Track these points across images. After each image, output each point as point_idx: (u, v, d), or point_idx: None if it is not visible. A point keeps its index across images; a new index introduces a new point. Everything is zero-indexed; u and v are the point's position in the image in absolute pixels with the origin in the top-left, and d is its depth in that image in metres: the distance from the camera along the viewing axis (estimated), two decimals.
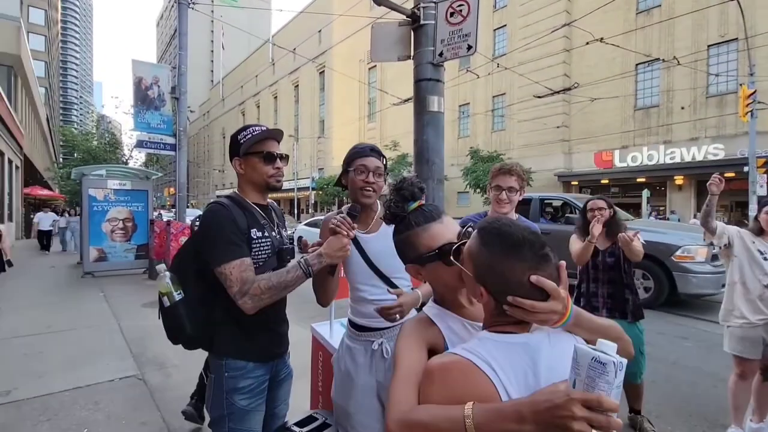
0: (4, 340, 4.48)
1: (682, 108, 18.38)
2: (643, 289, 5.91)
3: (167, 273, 1.41)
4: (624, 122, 20.24)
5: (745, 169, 12.89)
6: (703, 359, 4.01)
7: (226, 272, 1.31)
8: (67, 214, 15.52)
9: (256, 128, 1.48)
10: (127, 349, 4.19)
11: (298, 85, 45.37)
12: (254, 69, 52.52)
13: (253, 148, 1.46)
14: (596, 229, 2.54)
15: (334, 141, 38.32)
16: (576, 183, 22.07)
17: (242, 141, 1.47)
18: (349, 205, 1.58)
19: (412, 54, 2.83)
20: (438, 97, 2.72)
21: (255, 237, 1.41)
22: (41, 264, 10.98)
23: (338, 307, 2.29)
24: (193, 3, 8.99)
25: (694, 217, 16.10)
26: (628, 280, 2.68)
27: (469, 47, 2.57)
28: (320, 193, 34.56)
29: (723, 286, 2.83)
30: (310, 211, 36.25)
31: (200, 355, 1.60)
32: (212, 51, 77.59)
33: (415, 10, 2.75)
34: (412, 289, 1.56)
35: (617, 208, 2.92)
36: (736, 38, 16.44)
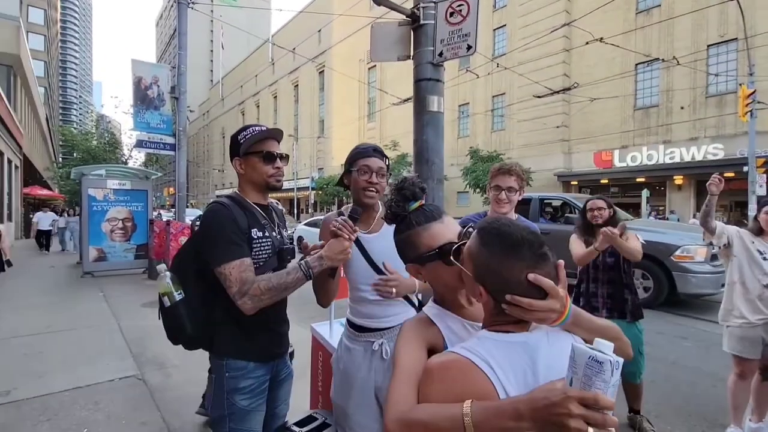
0: (4, 339, 4.47)
1: (682, 108, 18.40)
2: (643, 288, 5.92)
3: (167, 273, 1.41)
4: (623, 122, 20.26)
5: (745, 168, 12.90)
6: (703, 359, 4.01)
7: (226, 272, 1.31)
8: (66, 214, 15.51)
9: (256, 128, 1.48)
10: (126, 349, 4.19)
11: (297, 85, 45.36)
12: (254, 69, 52.51)
13: (253, 148, 1.46)
14: (602, 245, 2.51)
15: (334, 141, 38.31)
16: (576, 183, 22.09)
17: (242, 141, 1.47)
18: (349, 206, 1.58)
19: (411, 54, 2.83)
20: (438, 97, 2.72)
21: (255, 237, 1.41)
22: (41, 264, 10.98)
23: (338, 307, 2.30)
24: (193, 3, 8.99)
25: (694, 216, 16.12)
26: (628, 280, 2.68)
27: (469, 47, 2.57)
28: (320, 192, 34.55)
29: (722, 286, 2.84)
30: (309, 211, 36.25)
31: (200, 356, 1.60)
32: (212, 51, 77.55)
33: (415, 10, 2.74)
34: None
35: (617, 208, 2.92)
36: (736, 38, 16.45)
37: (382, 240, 1.44)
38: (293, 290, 1.36)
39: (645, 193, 17.80)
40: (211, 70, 77.54)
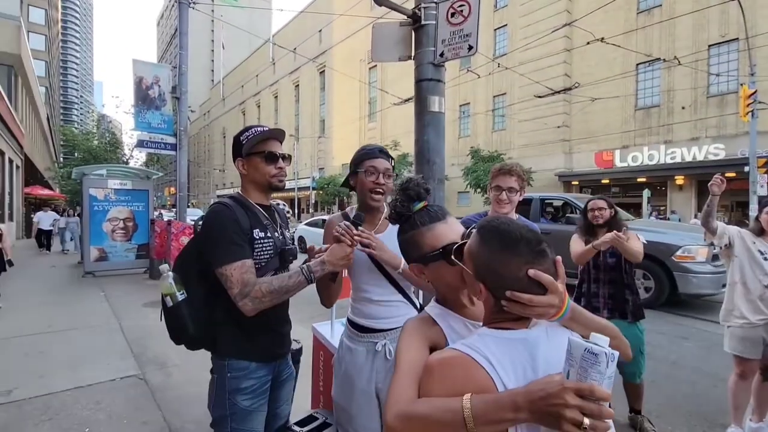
0: (5, 339, 4.48)
1: (683, 108, 18.38)
2: (644, 289, 5.91)
3: (170, 273, 1.42)
4: (624, 122, 20.24)
5: (746, 169, 12.89)
6: (703, 359, 4.01)
7: (227, 273, 1.31)
8: (66, 215, 15.52)
9: (258, 128, 1.49)
10: (128, 348, 4.20)
11: (298, 85, 45.37)
12: (255, 68, 52.55)
13: (256, 148, 1.47)
14: (604, 246, 2.51)
15: (335, 140, 38.33)
16: (576, 183, 22.07)
17: (244, 141, 1.47)
18: (354, 207, 1.59)
19: (413, 54, 2.83)
20: (439, 97, 2.72)
21: (257, 237, 1.41)
22: (42, 264, 11.00)
23: (339, 307, 2.30)
24: (194, 2, 9.00)
25: (695, 217, 16.11)
26: (629, 280, 2.68)
27: (470, 47, 2.57)
28: (321, 192, 34.56)
29: (723, 286, 2.84)
30: (310, 211, 36.27)
31: (201, 355, 1.60)
32: (213, 50, 77.59)
33: (416, 11, 2.75)
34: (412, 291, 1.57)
35: (618, 208, 2.92)
36: (737, 38, 16.43)
37: (386, 241, 1.44)
38: (294, 293, 1.37)
39: (646, 193, 17.79)
40: (212, 70, 77.60)
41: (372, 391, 1.43)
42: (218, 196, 49.04)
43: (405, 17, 2.83)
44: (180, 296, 1.40)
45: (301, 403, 2.39)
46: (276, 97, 49.71)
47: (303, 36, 38.90)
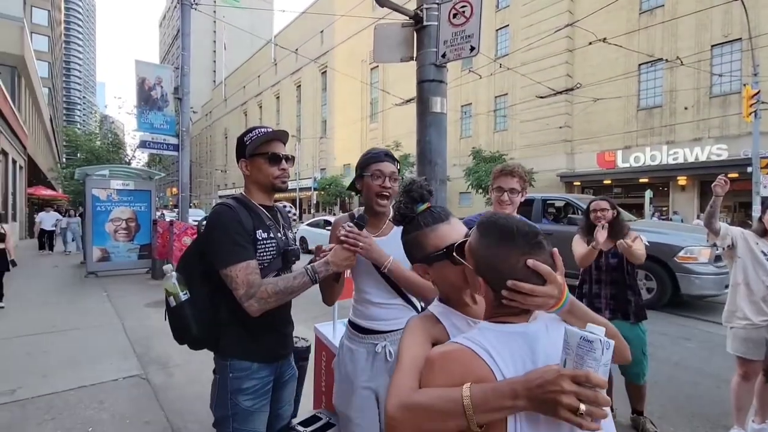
0: (9, 339, 4.51)
1: (686, 108, 18.32)
2: (646, 289, 5.90)
3: (173, 273, 1.42)
4: (627, 122, 20.19)
5: (749, 169, 12.84)
6: (706, 360, 4.00)
7: (232, 275, 1.32)
8: (68, 215, 15.58)
9: (262, 130, 1.49)
10: (130, 348, 4.21)
11: (300, 86, 45.41)
12: (256, 69, 52.61)
13: (259, 150, 1.47)
14: (601, 236, 2.52)
15: (336, 141, 38.35)
16: (578, 183, 22.02)
17: (248, 142, 1.48)
18: (360, 209, 1.59)
19: (414, 55, 2.84)
20: (441, 98, 2.73)
21: (260, 238, 1.42)
22: (45, 264, 11.04)
23: (341, 308, 2.31)
24: (196, 4, 9.03)
25: (697, 217, 16.07)
26: (631, 281, 2.68)
27: (472, 48, 2.57)
28: (322, 193, 34.57)
29: (726, 287, 2.83)
30: (312, 212, 36.29)
31: (203, 355, 1.61)
32: (215, 51, 77.75)
33: (418, 11, 2.75)
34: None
35: (620, 209, 2.92)
36: (740, 38, 16.37)
37: (389, 244, 1.44)
38: (299, 294, 1.38)
39: (648, 193, 17.72)
40: (214, 71, 77.75)
41: (371, 392, 1.43)
42: (220, 197, 49.11)
43: (407, 18, 2.83)
44: (183, 296, 1.41)
45: (303, 403, 2.40)
46: (278, 97, 49.78)
47: (305, 37, 38.96)
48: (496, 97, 25.74)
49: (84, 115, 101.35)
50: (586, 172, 21.41)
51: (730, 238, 2.50)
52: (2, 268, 5.94)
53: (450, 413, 0.72)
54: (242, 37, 55.89)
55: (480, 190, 21.21)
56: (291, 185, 34.13)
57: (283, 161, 1.50)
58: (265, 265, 1.42)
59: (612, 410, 2.72)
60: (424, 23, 2.71)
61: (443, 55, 2.66)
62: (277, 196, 1.60)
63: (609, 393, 2.66)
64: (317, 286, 1.45)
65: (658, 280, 5.87)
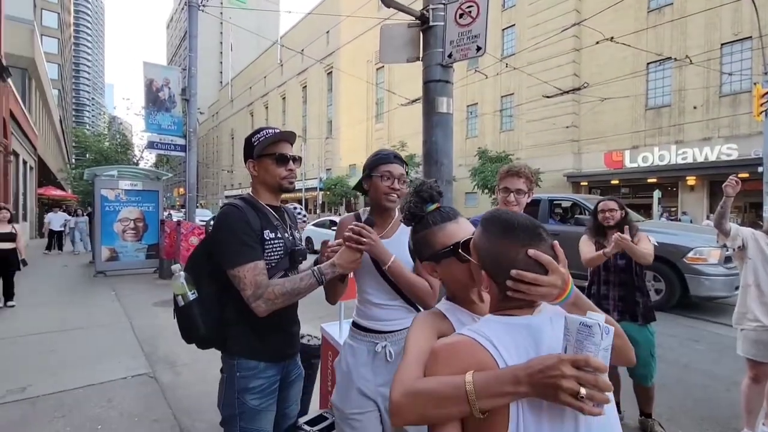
0: (20, 337, 4.57)
1: (695, 107, 18.12)
2: (654, 291, 5.84)
3: (182, 273, 1.44)
4: (635, 122, 20.01)
5: (760, 169, 12.65)
6: (716, 362, 3.96)
7: (240, 275, 1.33)
8: (75, 215, 15.76)
9: (269, 131, 1.50)
10: (138, 347, 4.25)
11: (306, 86, 45.58)
12: (263, 70, 52.88)
13: (267, 150, 1.48)
14: (614, 249, 2.47)
15: (342, 141, 38.43)
16: (585, 183, 21.86)
17: (256, 143, 1.49)
18: (366, 209, 1.60)
19: (421, 55, 2.84)
20: (447, 98, 2.72)
21: (268, 238, 1.43)
22: (54, 263, 11.18)
23: (347, 308, 2.31)
24: (203, 5, 9.10)
25: (707, 218, 15.87)
26: (640, 282, 2.65)
27: (479, 48, 2.56)
28: (328, 193, 34.66)
29: (736, 288, 2.80)
30: (317, 212, 36.38)
31: (210, 354, 1.62)
32: (221, 53, 78.27)
33: (424, 12, 2.75)
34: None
35: (628, 209, 2.89)
36: (750, 36, 16.15)
37: (393, 246, 1.45)
38: (306, 295, 1.40)
39: (656, 194, 17.55)
40: (221, 72, 78.26)
41: (369, 391, 1.43)
42: (226, 197, 49.43)
43: (413, 18, 2.83)
44: (191, 296, 1.42)
45: (315, 401, 2.41)
46: (284, 98, 50.00)
47: (311, 37, 39.08)
48: (502, 96, 25.64)
49: (93, 116, 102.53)
50: (593, 172, 21.25)
51: (741, 239, 2.47)
52: (13, 267, 6.03)
53: (453, 399, 0.73)
54: (248, 39, 56.28)
55: (486, 191, 21.14)
56: (297, 185, 34.20)
57: (291, 162, 1.51)
58: (273, 264, 1.43)
59: (620, 412, 2.71)
60: (431, 23, 2.71)
61: (449, 56, 2.66)
62: (283, 196, 1.61)
63: (617, 394, 2.65)
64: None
65: (667, 281, 5.81)
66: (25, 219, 17.43)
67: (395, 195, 1.50)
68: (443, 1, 2.69)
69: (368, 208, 1.60)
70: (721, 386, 3.41)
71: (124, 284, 7.82)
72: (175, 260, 7.79)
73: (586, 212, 6.97)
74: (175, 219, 10.17)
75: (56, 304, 6.24)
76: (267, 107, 53.37)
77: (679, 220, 16.39)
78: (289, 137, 1.53)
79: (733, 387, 3.15)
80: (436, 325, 0.96)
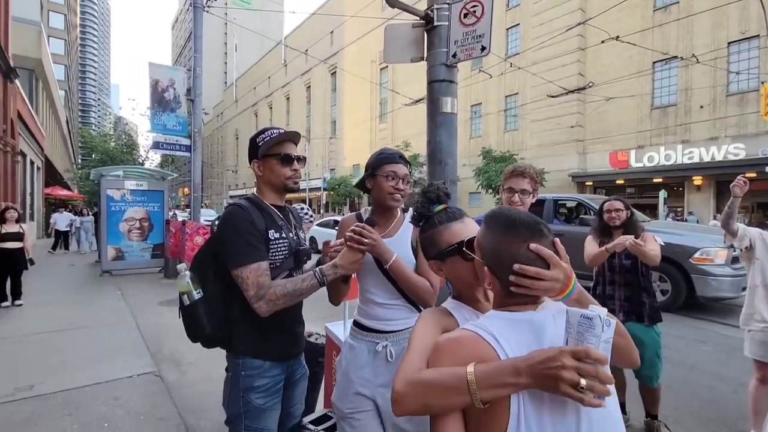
0: (28, 336, 4.62)
1: (701, 107, 17.97)
2: (660, 291, 5.80)
3: (187, 272, 1.45)
4: (640, 122, 19.87)
5: (767, 169, 12.54)
6: (723, 364, 3.92)
7: (243, 276, 1.34)
8: (80, 214, 15.88)
9: (274, 131, 1.51)
10: (144, 346, 4.28)
11: (310, 86, 45.66)
12: (267, 70, 53.05)
13: (272, 151, 1.49)
14: (620, 248, 2.46)
15: (346, 141, 38.46)
16: (590, 183, 21.74)
17: (260, 144, 1.50)
18: (368, 209, 1.60)
19: (425, 55, 2.83)
20: (451, 98, 2.72)
21: (272, 238, 1.44)
22: (60, 263, 11.28)
23: (352, 307, 2.31)
24: (208, 6, 9.14)
25: (714, 218, 15.74)
26: (646, 282, 2.63)
27: (483, 48, 2.56)
28: (332, 193, 34.70)
29: (744, 289, 2.77)
30: (321, 212, 36.44)
31: (215, 353, 1.63)
32: (226, 53, 78.62)
33: (429, 12, 2.74)
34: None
35: (634, 210, 2.87)
36: (758, 35, 16.00)
37: (395, 246, 1.45)
38: (307, 296, 1.40)
39: (662, 194, 17.42)
40: (225, 73, 78.60)
41: (368, 391, 1.42)
42: (231, 197, 49.63)
43: (417, 18, 2.83)
44: (197, 295, 1.43)
45: (320, 400, 2.41)
46: (288, 98, 50.11)
47: (315, 38, 39.16)
48: (506, 96, 25.56)
49: (99, 116, 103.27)
50: (598, 172, 21.13)
51: (748, 239, 2.45)
52: (21, 266, 6.09)
53: (454, 388, 0.74)
54: (253, 39, 56.45)
55: (490, 190, 21.07)
56: (301, 185, 34.29)
57: (295, 162, 1.52)
58: (277, 264, 1.44)
59: (625, 413, 2.69)
60: (435, 23, 2.70)
61: (454, 55, 2.65)
62: (287, 196, 1.62)
63: (622, 395, 2.64)
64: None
65: (673, 281, 5.76)
66: (32, 219, 17.59)
67: (399, 195, 1.50)
68: (447, 1, 2.69)
69: (370, 208, 1.61)
70: (728, 388, 3.38)
71: (129, 283, 7.88)
72: (180, 260, 7.83)
73: (591, 212, 6.94)
74: (180, 219, 10.22)
75: (63, 303, 6.29)
76: (271, 107, 53.53)
77: (686, 221, 16.27)
78: (293, 137, 1.54)
79: (740, 388, 3.12)
80: (441, 321, 0.97)
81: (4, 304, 5.94)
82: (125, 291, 7.16)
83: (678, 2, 18.66)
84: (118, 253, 9.03)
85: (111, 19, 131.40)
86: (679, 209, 18.92)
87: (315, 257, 1.55)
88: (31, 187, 17.80)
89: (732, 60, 17.25)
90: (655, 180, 19.12)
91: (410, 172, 1.57)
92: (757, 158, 15.14)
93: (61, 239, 14.23)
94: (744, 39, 16.89)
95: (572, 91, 15.57)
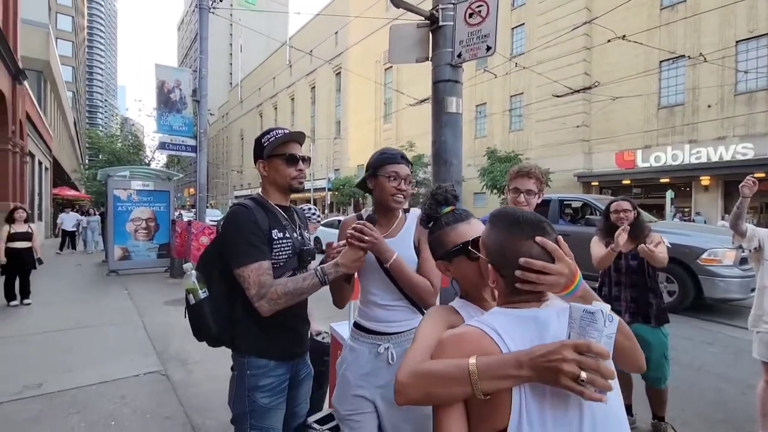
0: (36, 334, 4.67)
1: (709, 106, 17.80)
2: (667, 292, 5.75)
3: (193, 272, 1.46)
4: (647, 121, 19.72)
5: None
6: (730, 365, 3.88)
7: (245, 275, 1.35)
8: (87, 214, 16.03)
9: (279, 131, 1.51)
10: (150, 345, 4.31)
11: (314, 87, 45.79)
12: (272, 71, 53.24)
13: (277, 151, 1.50)
14: (621, 238, 2.42)
15: (350, 142, 38.51)
16: (596, 184, 21.61)
17: (266, 144, 1.50)
18: (369, 209, 1.60)
19: (430, 55, 2.83)
20: (456, 98, 2.71)
21: (276, 238, 1.44)
22: (68, 262, 11.39)
23: (357, 307, 2.32)
24: (214, 8, 9.19)
25: (722, 219, 15.59)
26: (652, 283, 2.61)
27: (488, 48, 2.55)
28: (336, 193, 34.76)
29: (752, 290, 2.74)
30: (326, 212, 36.51)
31: (221, 353, 1.64)
32: (231, 54, 79.00)
33: (434, 12, 2.74)
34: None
35: (640, 210, 2.85)
36: (767, 33, 15.84)
37: (398, 245, 1.44)
38: (309, 295, 1.40)
39: (669, 194, 17.26)
40: (230, 74, 78.98)
41: (368, 393, 1.41)
42: (236, 197, 49.86)
43: (422, 18, 2.83)
44: (202, 294, 1.44)
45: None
46: (292, 99, 50.27)
47: (319, 38, 39.24)
48: (511, 96, 25.47)
49: (106, 117, 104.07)
50: (604, 172, 21.00)
51: (757, 240, 2.43)
52: (29, 266, 6.15)
53: (456, 379, 0.76)
54: (258, 40, 56.73)
55: (495, 191, 21.01)
56: (306, 185, 34.30)
57: (300, 162, 1.52)
58: (281, 264, 1.44)
59: (632, 415, 2.67)
60: (440, 23, 2.70)
61: (459, 55, 2.65)
62: (292, 196, 1.62)
63: (628, 397, 2.62)
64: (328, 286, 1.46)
65: (680, 282, 5.71)
66: (40, 219, 17.77)
67: (402, 196, 1.49)
68: (453, 1, 2.68)
69: (371, 209, 1.60)
70: (735, 390, 3.35)
71: (136, 283, 7.94)
72: (186, 259, 7.88)
73: (597, 213, 6.89)
74: (185, 219, 10.29)
75: (70, 302, 6.35)
76: (276, 108, 53.72)
77: (693, 221, 16.13)
78: (298, 138, 1.54)
79: (748, 390, 3.09)
80: (448, 318, 0.99)
81: (13, 303, 6.01)
82: (132, 290, 7.22)
83: (685, 1, 18.50)
84: (124, 253, 9.11)
85: (117, 21, 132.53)
86: (686, 210, 18.76)
87: (320, 257, 1.55)
88: (40, 187, 17.98)
89: (740, 59, 17.07)
90: (661, 180, 18.97)
91: (412, 172, 1.56)
92: (766, 158, 14.98)
93: (68, 239, 14.37)
94: (752, 38, 16.71)
95: (578, 91, 15.45)
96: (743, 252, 5.45)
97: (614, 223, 2.65)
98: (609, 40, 12.14)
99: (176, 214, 11.25)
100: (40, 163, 18.07)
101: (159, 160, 23.64)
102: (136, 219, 9.25)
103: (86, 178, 25.83)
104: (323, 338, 2.47)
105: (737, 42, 17.09)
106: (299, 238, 1.55)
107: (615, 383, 0.76)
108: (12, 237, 5.97)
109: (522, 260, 0.80)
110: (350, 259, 1.36)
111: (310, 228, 2.94)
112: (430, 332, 0.92)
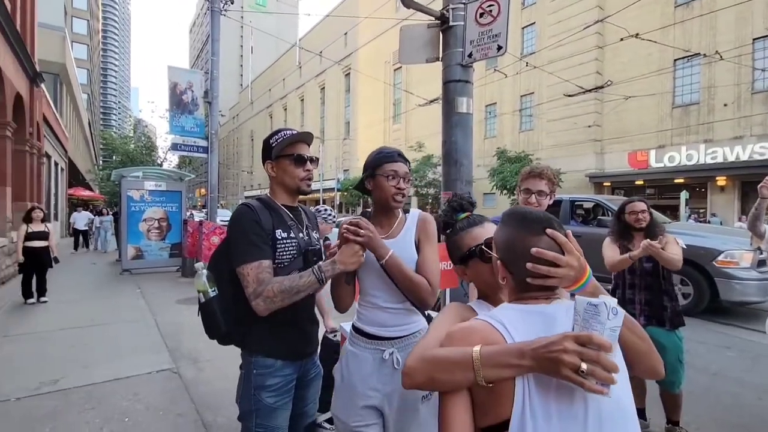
0: (53, 331, 4.77)
1: (725, 105, 17.45)
2: (682, 295, 5.64)
3: (204, 271, 1.48)
4: (661, 121, 19.40)
5: None
6: (747, 370, 3.79)
7: (244, 273, 1.36)
8: (99, 214, 16.30)
9: (287, 132, 1.52)
10: (162, 343, 4.37)
11: (324, 87, 45.99)
12: (282, 72, 53.62)
13: (285, 151, 1.50)
14: (641, 253, 2.37)
15: (360, 142, 38.58)
16: (608, 184, 21.32)
17: (274, 144, 1.51)
18: (368, 211, 1.59)
19: (440, 56, 2.83)
20: (467, 98, 2.71)
21: (280, 237, 1.44)
22: (82, 261, 11.60)
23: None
24: (225, 10, 9.29)
25: (739, 220, 15.27)
26: (667, 286, 2.56)
27: (499, 48, 2.54)
28: (345, 194, 34.86)
29: None
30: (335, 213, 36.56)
31: (231, 351, 1.65)
32: (241, 56, 79.78)
33: (444, 12, 2.74)
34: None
35: (654, 211, 2.79)
36: None
37: (399, 245, 1.42)
38: (306, 293, 1.38)
39: (684, 194, 16.95)
40: (241, 75, 79.76)
41: (375, 402, 1.38)
42: (246, 197, 50.32)
43: (432, 19, 2.82)
44: (212, 293, 1.46)
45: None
46: (302, 99, 50.56)
47: (329, 39, 39.40)
48: (521, 96, 25.28)
49: (119, 119, 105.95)
50: (616, 173, 20.71)
51: None
52: (46, 264, 6.28)
53: (459, 364, 0.78)
54: (268, 41, 57.19)
55: (505, 191, 20.86)
56: (315, 186, 34.25)
57: (308, 162, 1.53)
58: (285, 264, 1.44)
59: (645, 419, 2.63)
60: (450, 23, 2.70)
61: (470, 55, 2.64)
62: (302, 197, 1.62)
63: (641, 401, 2.58)
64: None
65: (695, 285, 5.60)
66: (56, 218, 18.13)
67: (401, 195, 1.46)
68: (463, 1, 2.68)
69: (370, 210, 1.59)
70: (752, 394, 3.27)
71: (148, 282, 8.06)
72: (197, 259, 7.97)
73: (609, 213, 6.80)
74: (197, 219, 10.41)
75: (85, 300, 6.48)
76: (286, 109, 54.08)
77: (708, 222, 15.82)
78: (306, 138, 1.55)
79: (765, 395, 3.02)
80: (463, 313, 1.01)
81: (30, 300, 6.14)
82: (144, 289, 7.33)
83: None
84: (137, 253, 9.25)
85: (131, 25, 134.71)
86: (701, 210, 18.40)
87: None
88: (55, 187, 18.35)
89: (757, 57, 16.71)
90: (676, 180, 18.64)
91: (416, 171, 1.55)
92: None
93: (81, 237, 14.62)
94: None
95: (590, 90, 15.26)
96: (761, 254, 5.33)
97: (628, 225, 2.60)
98: (622, 39, 11.96)
99: (188, 214, 11.40)
100: (56, 164, 18.44)
101: (171, 160, 23.99)
102: (149, 219, 9.38)
103: (100, 178, 26.32)
104: (334, 336, 2.48)
105: (754, 39, 16.73)
106: (305, 238, 1.54)
107: (623, 377, 0.76)
108: (29, 236, 6.10)
109: (534, 250, 0.82)
110: (347, 255, 1.35)
111: (326, 229, 2.95)
112: (444, 325, 0.93)
